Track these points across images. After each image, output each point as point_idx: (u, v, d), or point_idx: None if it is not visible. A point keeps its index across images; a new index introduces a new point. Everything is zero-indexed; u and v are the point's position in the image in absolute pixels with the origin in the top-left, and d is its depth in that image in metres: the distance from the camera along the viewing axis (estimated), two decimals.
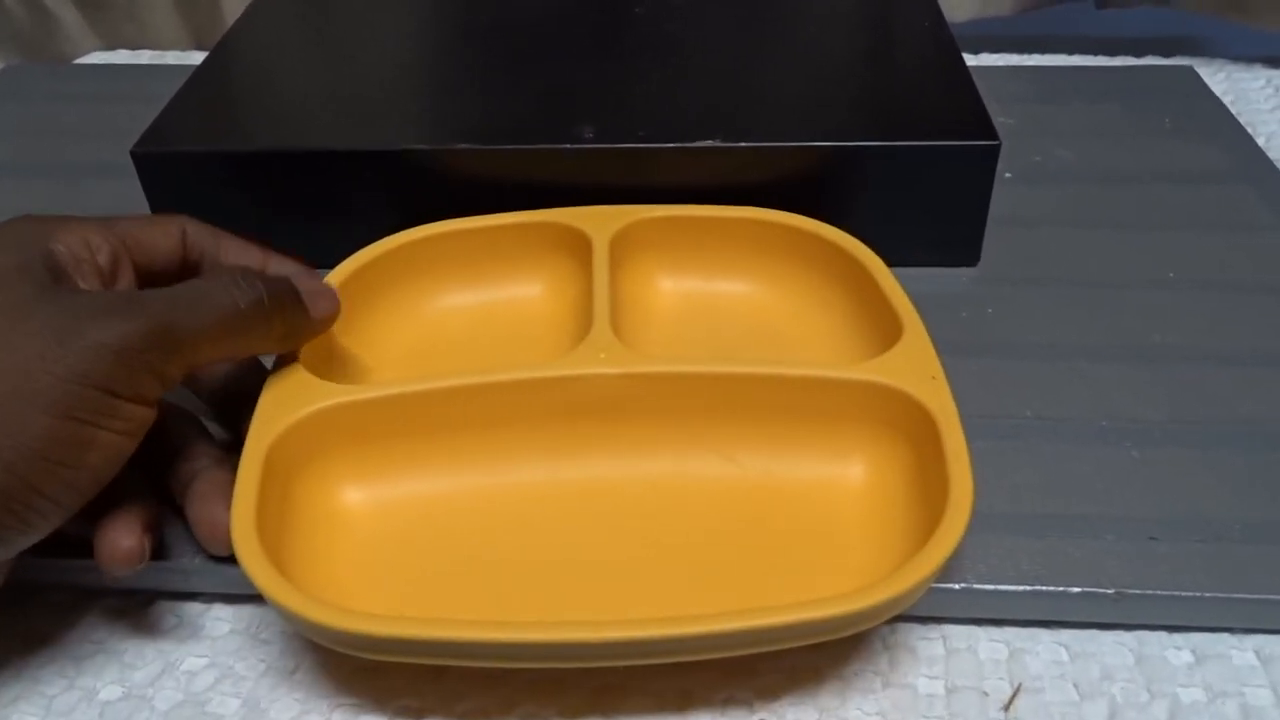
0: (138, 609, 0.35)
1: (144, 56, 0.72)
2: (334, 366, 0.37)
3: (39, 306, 0.29)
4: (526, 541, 0.34)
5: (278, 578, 0.29)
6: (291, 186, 0.44)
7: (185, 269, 0.36)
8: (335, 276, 0.39)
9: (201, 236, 0.36)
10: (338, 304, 0.35)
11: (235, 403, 0.35)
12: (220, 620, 0.34)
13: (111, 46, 0.76)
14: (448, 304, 0.42)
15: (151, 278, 0.35)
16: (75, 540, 0.31)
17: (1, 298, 0.29)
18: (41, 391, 0.27)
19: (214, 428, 0.36)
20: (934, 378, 0.34)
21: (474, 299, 0.42)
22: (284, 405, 0.33)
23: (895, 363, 0.34)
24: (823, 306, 0.41)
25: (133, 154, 0.43)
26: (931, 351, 0.35)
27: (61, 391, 0.28)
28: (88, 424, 0.28)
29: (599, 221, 0.41)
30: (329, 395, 0.34)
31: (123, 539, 0.31)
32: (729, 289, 0.43)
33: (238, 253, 0.37)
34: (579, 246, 0.41)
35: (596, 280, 0.38)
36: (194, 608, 0.35)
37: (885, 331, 0.36)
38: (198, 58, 0.68)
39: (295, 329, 0.34)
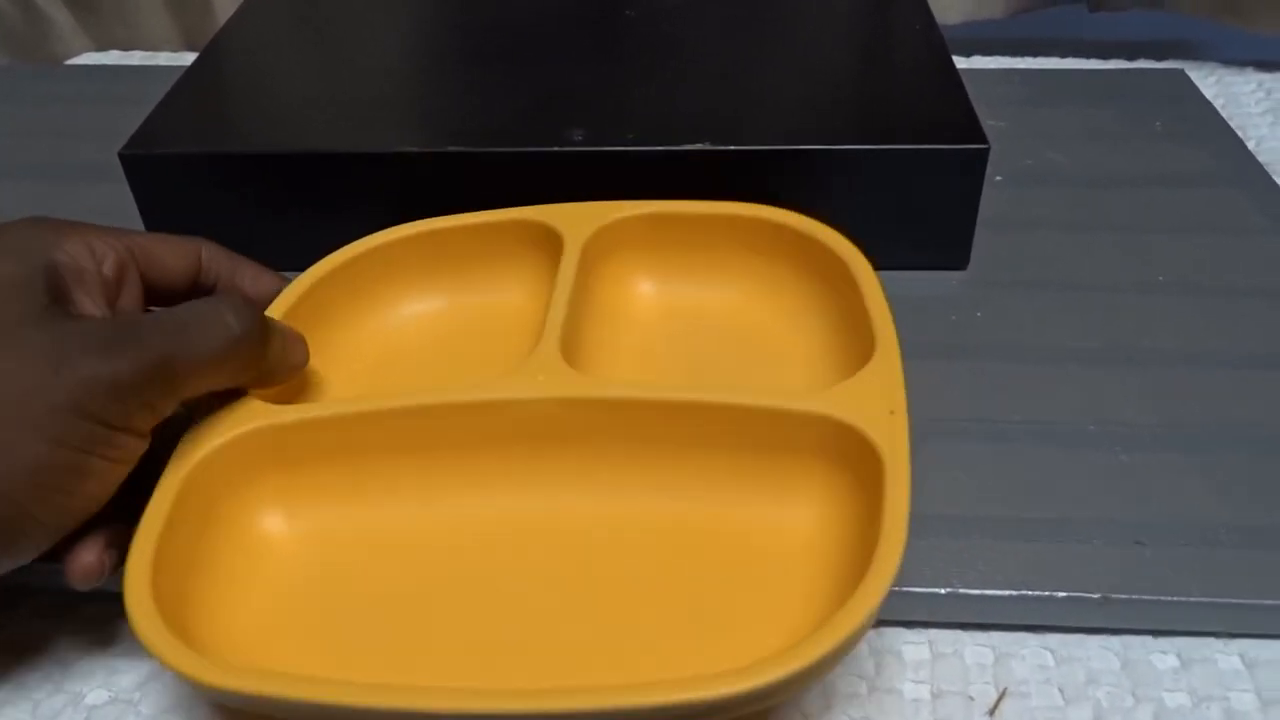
0: (125, 615, 0.34)
1: (135, 57, 0.72)
2: (292, 383, 0.36)
3: (35, 333, 0.29)
4: (449, 577, 0.32)
5: (159, 625, 0.28)
6: (282, 188, 0.44)
7: (197, 291, 0.36)
8: (293, 289, 0.38)
9: (218, 261, 0.36)
10: (307, 355, 0.35)
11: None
12: None
13: (103, 47, 0.76)
14: (418, 310, 0.41)
15: (159, 294, 0.35)
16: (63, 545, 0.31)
17: None
18: (36, 420, 0.27)
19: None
20: (892, 413, 0.31)
21: (445, 304, 0.42)
22: (215, 423, 0.33)
23: (854, 392, 0.32)
24: (804, 313, 0.39)
25: (121, 156, 0.43)
26: (898, 379, 0.32)
27: (57, 421, 0.28)
28: (81, 453, 0.28)
29: (575, 220, 0.40)
30: (250, 418, 0.33)
31: (84, 554, 0.30)
32: (708, 294, 0.41)
33: (254, 279, 0.37)
34: (555, 247, 0.39)
35: (558, 289, 0.37)
36: None
37: (862, 344, 0.34)
38: (189, 59, 0.68)
39: (276, 368, 0.34)
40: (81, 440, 0.28)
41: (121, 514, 0.32)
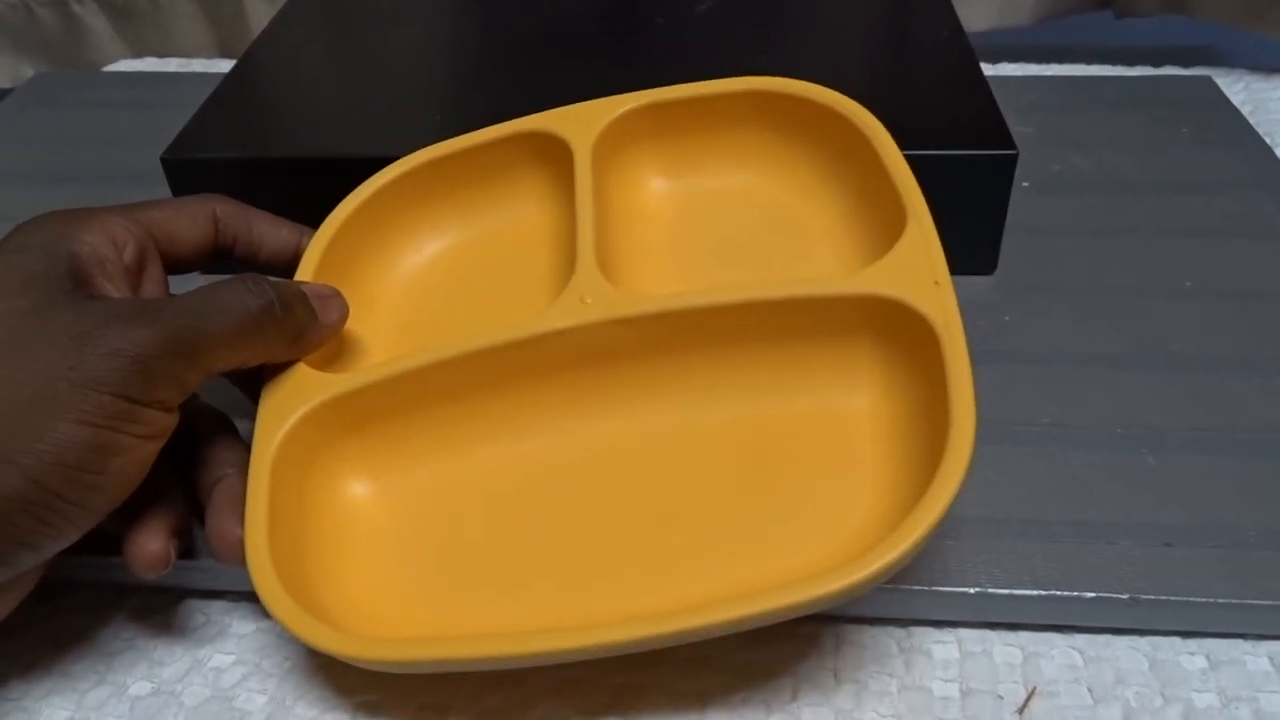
0: (167, 607, 0.35)
1: (171, 64, 0.73)
2: (324, 349, 0.36)
3: (58, 314, 0.29)
4: (534, 508, 0.33)
5: (293, 607, 0.29)
6: (319, 193, 0.44)
7: (217, 253, 0.36)
8: (313, 248, 0.38)
9: (233, 219, 0.36)
10: (346, 309, 0.35)
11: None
12: (246, 619, 0.35)
13: (139, 54, 0.77)
14: (438, 241, 0.41)
15: (181, 265, 0.36)
16: (111, 536, 0.32)
17: (23, 304, 0.29)
18: (58, 398, 0.27)
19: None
20: (938, 283, 0.31)
21: (463, 230, 0.41)
22: (282, 407, 0.33)
23: (895, 266, 0.32)
24: (823, 188, 0.38)
25: (163, 160, 0.44)
26: (937, 248, 0.32)
27: (78, 398, 0.28)
28: (105, 429, 0.28)
29: (578, 123, 0.38)
30: (323, 388, 0.33)
31: (150, 543, 0.31)
32: (722, 179, 0.40)
33: (271, 232, 0.37)
34: (562, 157, 0.38)
35: (580, 206, 0.36)
36: (221, 605, 0.35)
37: (891, 219, 0.34)
38: (224, 65, 0.69)
39: (306, 333, 0.34)
40: (105, 416, 0.28)
41: (179, 503, 0.32)
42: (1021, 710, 0.31)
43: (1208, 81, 0.59)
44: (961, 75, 0.48)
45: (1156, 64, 0.64)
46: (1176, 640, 0.33)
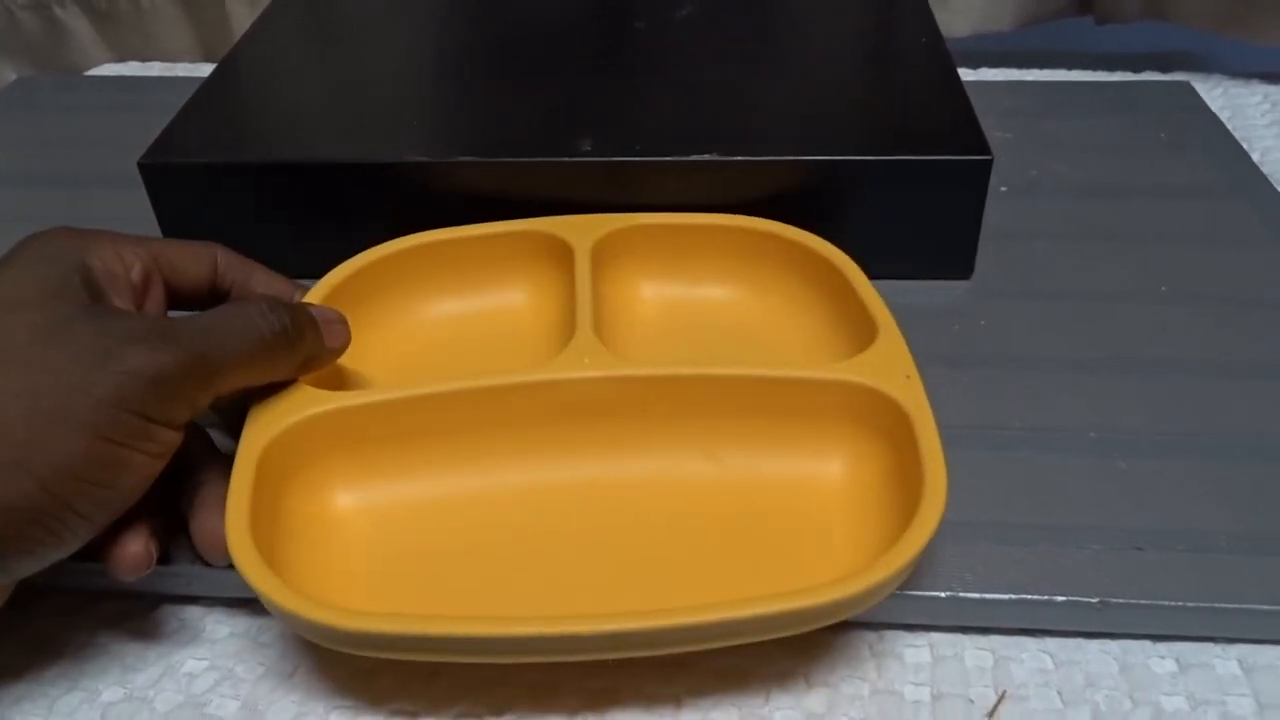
0: (140, 612, 0.35)
1: (154, 68, 0.73)
2: (323, 377, 0.37)
3: (79, 328, 0.30)
4: (515, 543, 0.34)
5: (273, 579, 0.29)
6: (297, 198, 0.45)
7: (214, 296, 0.37)
8: (321, 288, 0.39)
9: (233, 267, 0.37)
10: (349, 336, 0.36)
11: (242, 413, 0.36)
12: (220, 624, 0.35)
13: (122, 58, 0.77)
14: (433, 313, 0.43)
15: (180, 300, 0.36)
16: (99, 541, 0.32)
17: (42, 317, 0.30)
18: (79, 413, 0.28)
19: (218, 437, 0.37)
20: (908, 377, 0.34)
21: (459, 308, 0.43)
22: (275, 413, 0.34)
23: (871, 362, 0.35)
24: (801, 311, 0.42)
25: (140, 165, 0.44)
26: (906, 352, 0.35)
27: (99, 414, 0.28)
28: (122, 446, 0.29)
29: (580, 230, 0.42)
30: (319, 402, 0.34)
31: (131, 544, 0.31)
32: (709, 294, 0.44)
33: (266, 285, 0.38)
34: (562, 255, 0.42)
35: (579, 287, 0.39)
36: (195, 611, 0.35)
37: (861, 334, 0.37)
38: (207, 69, 0.69)
39: (313, 356, 0.35)
40: (122, 433, 0.29)
41: (157, 508, 0.33)
42: (991, 714, 0.31)
43: (1186, 87, 0.59)
44: (939, 80, 0.48)
45: (1136, 69, 0.65)
46: (1147, 644, 0.33)
